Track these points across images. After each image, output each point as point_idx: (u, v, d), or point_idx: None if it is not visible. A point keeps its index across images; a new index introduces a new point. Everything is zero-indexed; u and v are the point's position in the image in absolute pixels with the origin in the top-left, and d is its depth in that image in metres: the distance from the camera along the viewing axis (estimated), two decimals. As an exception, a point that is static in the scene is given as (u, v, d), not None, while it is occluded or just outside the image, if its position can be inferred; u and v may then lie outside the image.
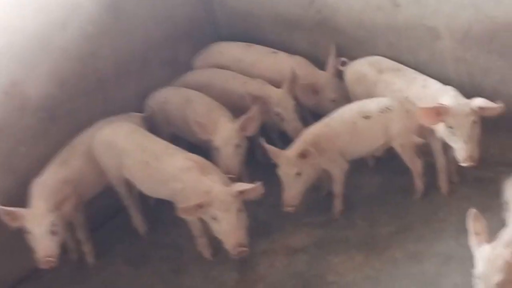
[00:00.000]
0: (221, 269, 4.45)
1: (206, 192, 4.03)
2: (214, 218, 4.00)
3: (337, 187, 4.63)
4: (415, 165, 4.54)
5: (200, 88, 5.12)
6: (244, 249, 4.01)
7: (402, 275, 4.10)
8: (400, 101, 4.45)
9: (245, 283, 4.36)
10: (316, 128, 4.53)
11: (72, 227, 4.72)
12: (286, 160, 4.34)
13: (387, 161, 4.84)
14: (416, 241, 4.31)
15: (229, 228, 3.98)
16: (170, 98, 5.08)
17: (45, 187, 4.47)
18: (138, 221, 4.92)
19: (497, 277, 3.17)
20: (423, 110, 4.12)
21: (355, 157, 4.60)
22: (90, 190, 4.74)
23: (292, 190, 4.38)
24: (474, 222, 3.38)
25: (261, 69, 5.22)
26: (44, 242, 4.22)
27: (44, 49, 4.74)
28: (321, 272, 4.27)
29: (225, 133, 4.59)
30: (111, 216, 5.14)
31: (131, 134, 4.63)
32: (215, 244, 4.33)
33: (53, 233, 4.25)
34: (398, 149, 4.48)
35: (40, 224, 4.22)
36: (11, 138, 4.71)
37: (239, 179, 4.58)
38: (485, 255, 3.26)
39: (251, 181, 4.13)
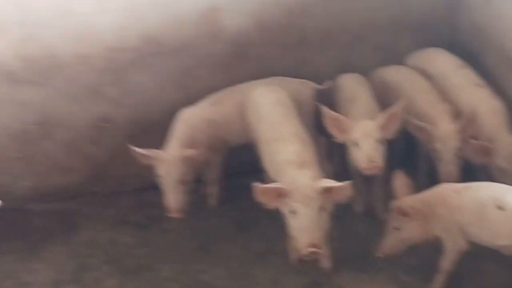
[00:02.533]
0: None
1: (290, 183, 3.69)
2: (293, 212, 3.64)
3: (444, 263, 3.89)
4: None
5: (388, 85, 4.72)
6: (317, 250, 3.58)
7: None
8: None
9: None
10: (445, 189, 3.85)
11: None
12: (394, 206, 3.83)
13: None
14: None
15: (305, 225, 3.60)
16: (343, 87, 4.70)
17: (188, 121, 4.54)
18: None
19: None
20: None
21: (477, 243, 3.78)
22: (234, 138, 4.70)
23: (389, 241, 3.87)
24: None
25: (457, 97, 4.48)
26: (172, 193, 4.30)
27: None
28: None
29: (365, 127, 4.14)
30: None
31: (276, 105, 4.35)
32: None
33: (183, 182, 4.32)
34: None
35: (170, 174, 4.29)
36: (193, 58, 4.84)
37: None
38: None
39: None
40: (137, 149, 4.31)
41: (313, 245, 3.57)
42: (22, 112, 4.74)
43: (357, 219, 4.59)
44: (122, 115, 4.88)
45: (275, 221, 4.03)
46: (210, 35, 4.78)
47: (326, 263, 4.12)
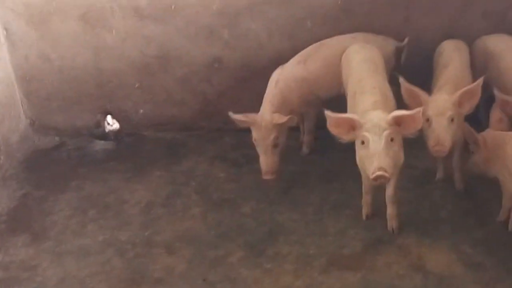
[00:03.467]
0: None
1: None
2: (364, 142, 3.80)
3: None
4: None
5: (487, 53, 4.66)
6: (385, 173, 3.71)
7: None
8: None
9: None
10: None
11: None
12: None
13: None
14: None
15: (374, 151, 3.74)
16: (443, 52, 4.66)
17: (279, 83, 4.70)
18: None
19: None
20: None
21: None
22: (324, 92, 4.82)
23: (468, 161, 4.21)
24: None
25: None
26: (265, 156, 4.56)
27: None
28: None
29: (439, 104, 4.12)
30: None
31: (365, 61, 4.45)
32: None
33: (275, 145, 4.55)
34: None
35: (263, 138, 4.51)
36: (303, 9, 5.06)
37: (449, 155, 4.34)
38: None
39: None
40: (233, 115, 4.54)
41: (381, 169, 3.70)
42: (144, 45, 5.23)
43: (434, 185, 4.61)
44: (233, 58, 5.22)
45: (355, 178, 4.26)
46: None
47: (393, 222, 4.22)
